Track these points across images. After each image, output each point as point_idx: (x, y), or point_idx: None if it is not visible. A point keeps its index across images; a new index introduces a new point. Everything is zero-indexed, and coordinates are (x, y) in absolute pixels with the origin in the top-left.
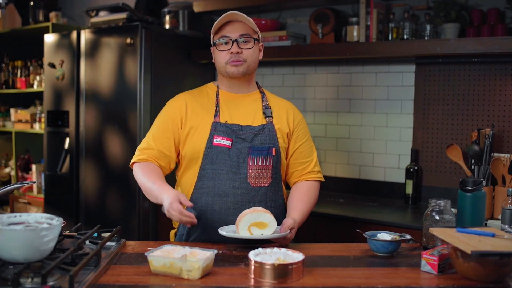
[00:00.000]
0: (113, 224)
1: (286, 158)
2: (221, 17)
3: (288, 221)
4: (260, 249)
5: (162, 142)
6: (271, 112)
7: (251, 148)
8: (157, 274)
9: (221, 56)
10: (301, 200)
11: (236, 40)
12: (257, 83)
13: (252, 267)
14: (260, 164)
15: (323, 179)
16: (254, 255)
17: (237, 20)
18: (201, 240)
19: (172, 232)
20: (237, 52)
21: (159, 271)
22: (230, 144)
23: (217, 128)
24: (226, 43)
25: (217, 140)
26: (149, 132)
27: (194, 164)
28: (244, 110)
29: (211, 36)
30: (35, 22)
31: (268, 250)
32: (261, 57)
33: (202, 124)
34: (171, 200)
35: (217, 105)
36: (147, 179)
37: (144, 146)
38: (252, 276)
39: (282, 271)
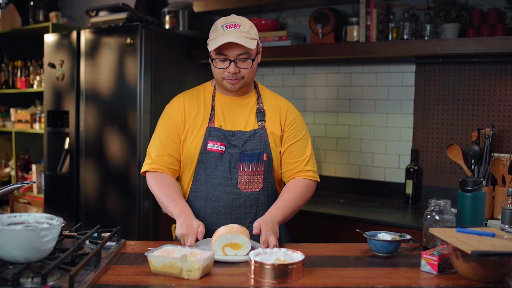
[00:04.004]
0: (113, 224)
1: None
2: (219, 32)
3: (256, 225)
4: (260, 249)
5: (170, 146)
6: (264, 116)
7: (241, 154)
8: (157, 274)
9: (218, 72)
10: (281, 197)
11: (234, 60)
12: (254, 83)
13: (252, 267)
14: (250, 170)
15: (316, 179)
16: (254, 255)
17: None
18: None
19: (174, 226)
20: (235, 72)
21: (159, 271)
22: (223, 149)
23: (211, 133)
24: (224, 60)
25: (211, 146)
26: (155, 137)
27: (189, 168)
28: (238, 114)
29: (208, 47)
30: (35, 22)
31: (268, 250)
32: (259, 60)
33: (197, 128)
34: (192, 228)
35: (212, 109)
36: (164, 195)
37: (155, 153)
38: (252, 276)
39: (282, 271)
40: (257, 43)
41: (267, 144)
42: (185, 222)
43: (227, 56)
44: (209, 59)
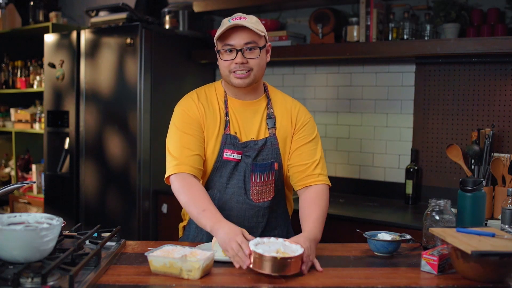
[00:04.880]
0: (113, 224)
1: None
2: (226, 25)
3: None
4: (258, 238)
5: (192, 143)
6: (274, 123)
7: (253, 165)
8: (157, 274)
9: (225, 65)
10: (311, 211)
11: (241, 50)
12: (264, 85)
13: (252, 258)
14: (262, 180)
15: (327, 182)
16: (254, 245)
17: (242, 25)
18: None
19: (181, 224)
20: (242, 63)
21: (159, 271)
22: (240, 158)
23: (228, 141)
24: (231, 51)
25: (227, 154)
26: (173, 137)
27: (204, 173)
28: (250, 121)
29: (215, 41)
30: (35, 22)
31: (265, 239)
32: (268, 59)
33: (214, 135)
34: (234, 234)
35: (227, 114)
36: (193, 205)
37: (178, 152)
38: (252, 266)
39: (282, 264)
40: (266, 39)
41: (278, 152)
42: (226, 231)
43: (233, 46)
44: (217, 55)
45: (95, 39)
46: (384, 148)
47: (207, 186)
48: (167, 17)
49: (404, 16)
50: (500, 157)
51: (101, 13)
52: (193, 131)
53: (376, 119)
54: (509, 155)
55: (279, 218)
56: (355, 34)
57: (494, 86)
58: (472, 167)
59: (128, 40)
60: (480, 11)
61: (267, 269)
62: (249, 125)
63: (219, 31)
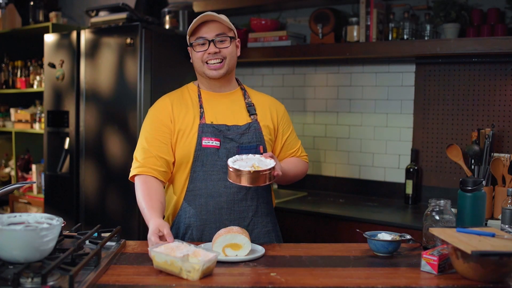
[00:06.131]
0: (113, 224)
1: (272, 151)
2: (196, 18)
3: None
4: (237, 156)
5: (158, 147)
6: (255, 109)
7: (239, 148)
8: (157, 274)
9: (198, 57)
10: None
11: (212, 40)
12: (237, 80)
13: (230, 173)
14: None
15: (307, 161)
16: (232, 162)
17: (212, 20)
18: (195, 240)
19: None
20: (215, 52)
21: (161, 267)
22: (219, 145)
23: (204, 129)
24: (203, 43)
25: (206, 142)
26: (142, 139)
27: (185, 167)
28: (228, 109)
29: (187, 37)
30: (35, 22)
31: (244, 156)
32: (238, 53)
33: (189, 127)
34: (151, 232)
35: (201, 106)
36: (143, 200)
37: (142, 155)
38: (231, 180)
39: (256, 177)
40: (235, 34)
41: (261, 136)
42: (152, 226)
43: (205, 37)
44: (189, 51)
45: (95, 39)
46: (384, 148)
47: (191, 177)
48: (167, 17)
49: (404, 16)
50: (500, 157)
51: (101, 13)
52: (161, 136)
53: (376, 119)
54: (509, 155)
55: (269, 205)
56: (355, 34)
57: (494, 86)
58: (472, 167)
59: (128, 40)
60: (480, 11)
61: (244, 182)
62: (227, 114)
63: (191, 26)
